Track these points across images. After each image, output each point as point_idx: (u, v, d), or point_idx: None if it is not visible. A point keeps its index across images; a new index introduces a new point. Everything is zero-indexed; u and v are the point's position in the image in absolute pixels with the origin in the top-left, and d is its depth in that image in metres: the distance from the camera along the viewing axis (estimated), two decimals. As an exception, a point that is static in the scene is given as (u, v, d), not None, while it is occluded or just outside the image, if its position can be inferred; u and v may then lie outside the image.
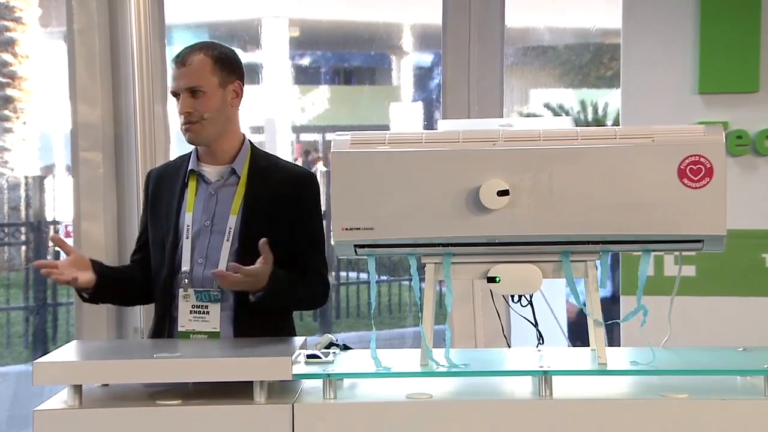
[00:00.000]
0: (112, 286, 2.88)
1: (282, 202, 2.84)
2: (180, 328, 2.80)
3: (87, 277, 2.78)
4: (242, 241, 2.80)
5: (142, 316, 4.23)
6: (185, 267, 2.81)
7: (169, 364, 2.31)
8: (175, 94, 2.83)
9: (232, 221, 2.81)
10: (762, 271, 3.91)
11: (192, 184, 2.87)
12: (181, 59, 2.82)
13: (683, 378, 2.39)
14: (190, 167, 2.88)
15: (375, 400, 2.33)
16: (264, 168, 2.89)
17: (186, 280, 2.81)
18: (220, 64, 2.83)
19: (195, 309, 2.80)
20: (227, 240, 2.80)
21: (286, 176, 2.90)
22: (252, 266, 2.66)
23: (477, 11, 4.42)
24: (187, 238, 2.82)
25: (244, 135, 2.92)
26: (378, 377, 2.40)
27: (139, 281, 2.94)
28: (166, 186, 2.93)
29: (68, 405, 2.29)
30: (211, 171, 2.88)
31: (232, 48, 2.93)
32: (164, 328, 2.86)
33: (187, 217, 2.84)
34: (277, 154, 3.10)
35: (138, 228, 3.08)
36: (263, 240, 2.67)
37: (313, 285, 2.88)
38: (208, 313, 2.79)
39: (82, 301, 2.90)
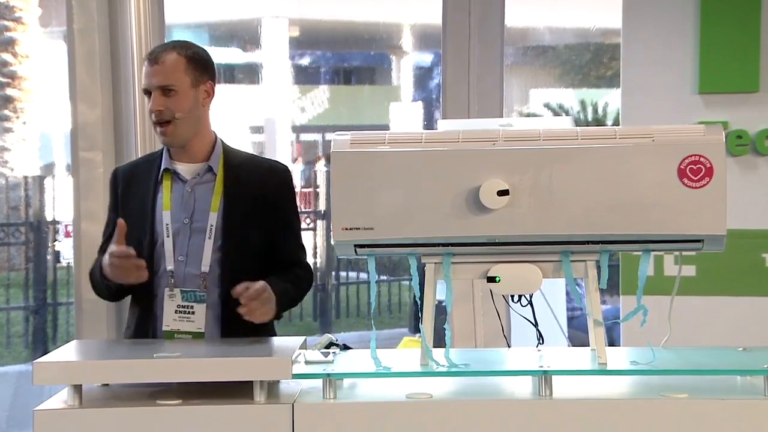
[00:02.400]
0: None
1: (259, 197, 2.86)
2: (164, 327, 2.79)
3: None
4: (225, 237, 2.81)
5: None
6: (170, 266, 2.81)
7: (169, 364, 2.31)
8: (147, 92, 2.83)
9: (213, 218, 2.82)
10: (762, 271, 3.91)
11: (167, 183, 2.86)
12: (154, 57, 2.82)
13: (683, 378, 2.39)
14: (163, 166, 2.88)
15: (375, 400, 2.33)
16: (239, 164, 2.90)
17: (171, 280, 2.81)
18: (194, 64, 2.83)
19: (180, 309, 2.79)
20: (209, 238, 2.81)
21: (261, 170, 2.92)
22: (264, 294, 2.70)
23: (477, 11, 4.42)
24: (168, 236, 2.82)
25: (215, 133, 2.93)
26: (378, 377, 2.40)
27: None
28: (137, 184, 2.91)
29: (68, 405, 2.29)
30: (185, 169, 2.88)
31: (206, 48, 2.94)
32: (147, 326, 2.86)
33: (165, 216, 2.83)
34: (268, 155, 3.11)
35: (104, 227, 3.00)
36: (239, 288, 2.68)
37: (300, 278, 2.91)
38: (193, 313, 2.79)
39: (108, 296, 2.90)
